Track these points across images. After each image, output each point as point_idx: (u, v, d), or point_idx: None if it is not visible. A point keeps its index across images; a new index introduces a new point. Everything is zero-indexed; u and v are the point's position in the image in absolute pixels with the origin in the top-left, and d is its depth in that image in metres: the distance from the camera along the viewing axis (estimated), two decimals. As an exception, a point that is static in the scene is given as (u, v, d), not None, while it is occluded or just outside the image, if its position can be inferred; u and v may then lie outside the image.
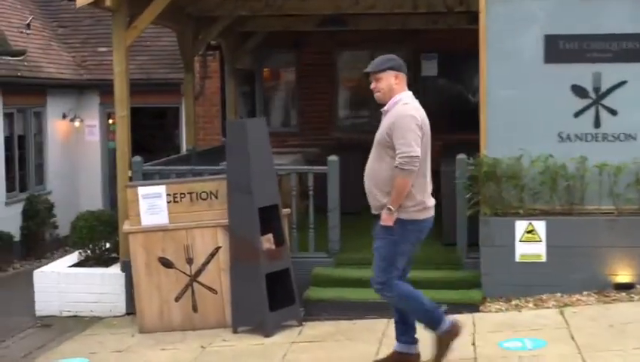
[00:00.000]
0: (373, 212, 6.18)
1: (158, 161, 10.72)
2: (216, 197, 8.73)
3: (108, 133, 17.32)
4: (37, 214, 15.12)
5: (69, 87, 16.71)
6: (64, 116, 16.73)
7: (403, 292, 6.16)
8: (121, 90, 9.76)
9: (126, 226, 9.00)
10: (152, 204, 8.76)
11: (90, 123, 17.16)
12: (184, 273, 8.72)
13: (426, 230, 6.20)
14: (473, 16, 9.56)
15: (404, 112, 5.99)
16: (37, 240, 15.16)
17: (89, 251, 10.25)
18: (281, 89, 16.67)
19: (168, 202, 8.76)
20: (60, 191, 16.43)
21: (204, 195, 8.81)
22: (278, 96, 16.67)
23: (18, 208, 15.01)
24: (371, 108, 14.17)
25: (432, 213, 6.19)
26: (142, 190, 8.83)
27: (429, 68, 15.25)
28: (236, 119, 13.51)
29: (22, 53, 12.43)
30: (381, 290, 6.20)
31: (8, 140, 14.89)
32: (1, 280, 13.26)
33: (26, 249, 15.00)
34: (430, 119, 6.22)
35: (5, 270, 13.90)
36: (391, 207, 5.96)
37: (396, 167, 5.91)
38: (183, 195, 8.79)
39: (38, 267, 10.83)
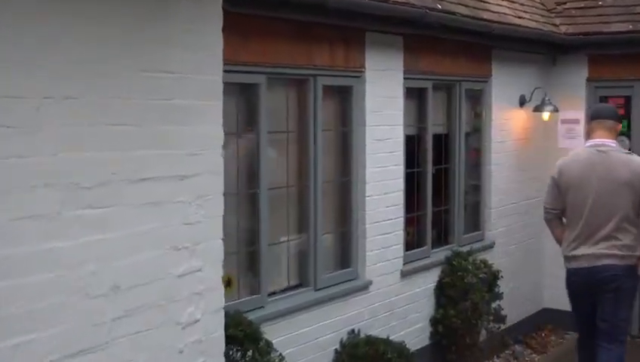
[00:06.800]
0: None
1: None
2: None
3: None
4: (464, 293, 7.60)
5: (533, 44, 8.82)
6: (522, 102, 8.99)
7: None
8: None
9: None
10: None
11: (569, 115, 9.25)
12: None
13: (577, 282, 5.99)
14: None
15: None
16: (463, 339, 7.67)
17: None
18: None
19: None
20: (504, 242, 8.81)
21: None
22: None
23: (431, 277, 7.66)
24: None
25: (575, 264, 5.96)
26: None
27: None
28: None
29: None
30: None
31: (410, 142, 7.54)
32: None
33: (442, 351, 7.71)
34: None
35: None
36: None
37: None
38: None
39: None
